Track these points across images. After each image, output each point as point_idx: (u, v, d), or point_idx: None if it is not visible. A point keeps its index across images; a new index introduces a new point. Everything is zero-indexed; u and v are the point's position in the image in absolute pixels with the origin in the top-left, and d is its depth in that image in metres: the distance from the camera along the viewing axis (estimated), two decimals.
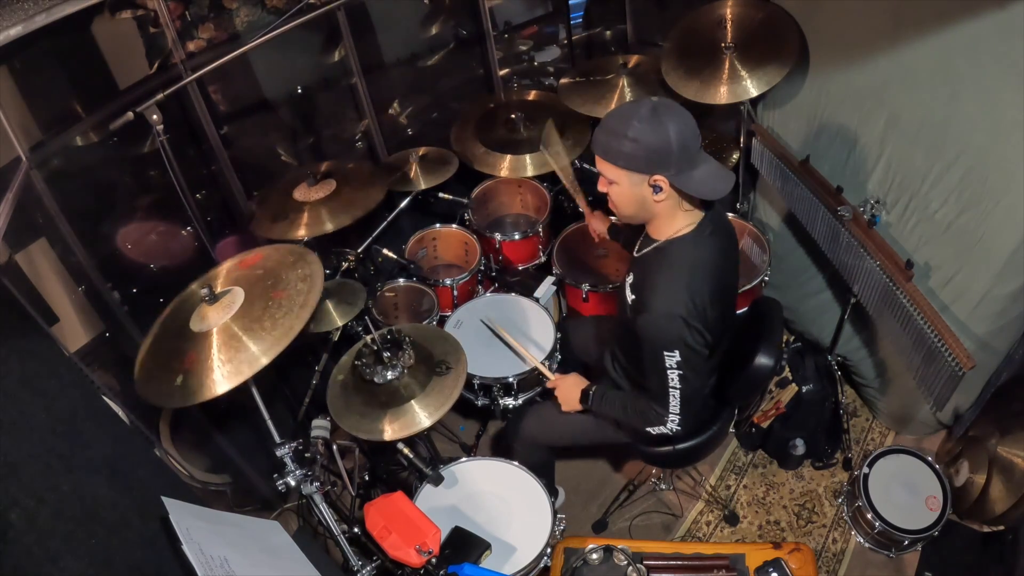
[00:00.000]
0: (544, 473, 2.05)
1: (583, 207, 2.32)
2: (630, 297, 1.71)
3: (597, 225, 2.32)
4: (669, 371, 1.60)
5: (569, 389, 1.98)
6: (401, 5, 3.01)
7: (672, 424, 1.71)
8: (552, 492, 2.35)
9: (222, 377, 1.47)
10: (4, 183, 1.76)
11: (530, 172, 2.64)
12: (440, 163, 2.68)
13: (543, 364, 2.18)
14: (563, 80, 2.76)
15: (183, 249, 2.44)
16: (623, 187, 1.56)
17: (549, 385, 2.09)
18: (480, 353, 2.27)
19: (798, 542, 1.84)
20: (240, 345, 1.51)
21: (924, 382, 2.07)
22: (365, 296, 2.19)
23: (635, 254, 1.76)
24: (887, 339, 2.36)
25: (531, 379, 2.31)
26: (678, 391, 1.63)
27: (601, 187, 1.61)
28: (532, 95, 3.00)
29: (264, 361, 1.49)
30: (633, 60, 2.72)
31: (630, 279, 1.74)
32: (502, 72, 3.21)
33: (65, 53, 2.00)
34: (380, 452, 2.37)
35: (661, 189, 1.52)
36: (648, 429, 1.77)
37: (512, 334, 2.32)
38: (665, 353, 1.58)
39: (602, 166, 1.56)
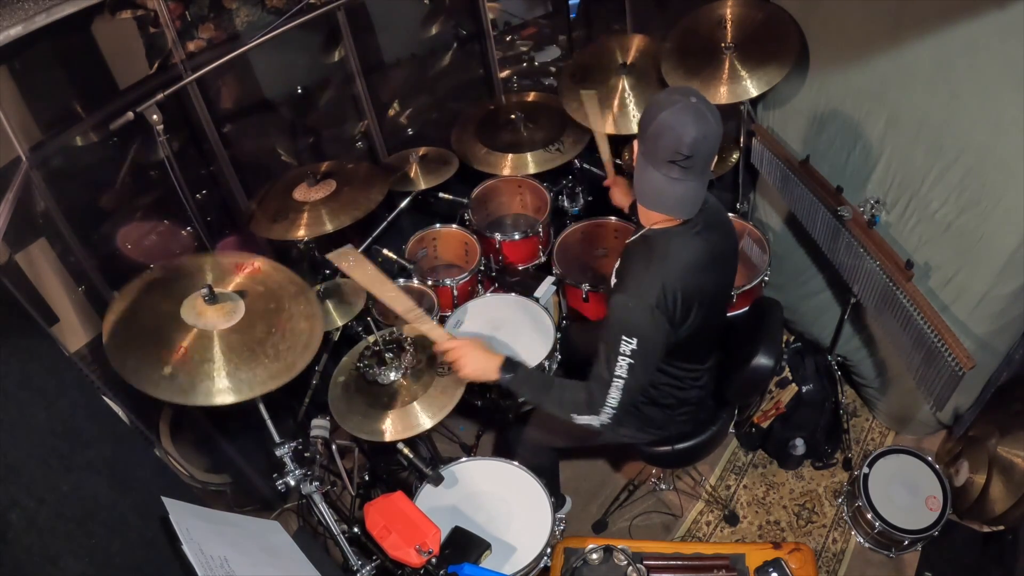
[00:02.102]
0: (549, 477, 2.04)
1: (608, 169, 2.25)
2: (613, 281, 1.72)
3: (619, 196, 2.24)
4: (621, 357, 1.57)
5: (477, 355, 1.72)
6: (401, 5, 3.01)
7: (604, 416, 1.64)
8: (558, 499, 2.34)
9: (222, 389, 1.47)
10: (4, 183, 1.76)
11: (531, 170, 2.64)
12: (440, 163, 2.68)
13: (430, 320, 1.79)
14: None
15: (183, 249, 2.44)
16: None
17: (443, 346, 1.74)
18: None
19: (798, 542, 1.84)
20: (243, 364, 1.50)
21: (924, 382, 2.07)
22: (365, 296, 2.20)
23: (626, 242, 1.77)
24: (887, 339, 2.36)
25: None
26: (622, 381, 1.59)
27: None
28: (532, 95, 3.00)
29: (266, 388, 1.49)
30: (631, 53, 2.69)
31: (616, 265, 1.75)
32: (502, 73, 3.21)
33: (65, 53, 2.00)
34: (380, 452, 2.37)
35: (634, 152, 1.58)
36: (574, 417, 1.68)
37: (512, 334, 2.31)
38: (623, 337, 1.55)
39: None
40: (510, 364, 1.72)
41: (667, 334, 1.58)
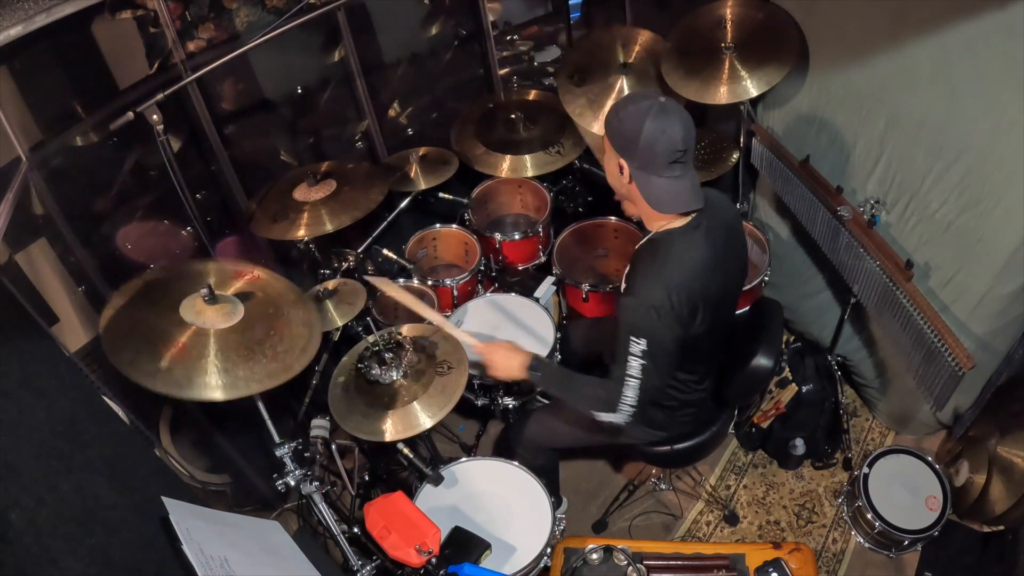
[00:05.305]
0: (549, 478, 2.04)
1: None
2: (622, 286, 1.73)
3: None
4: (632, 357, 1.59)
5: (506, 356, 1.84)
6: (401, 5, 3.01)
7: (622, 415, 1.68)
8: (558, 499, 2.34)
9: (218, 385, 1.47)
10: (4, 183, 1.75)
11: (530, 172, 2.64)
12: (440, 163, 2.68)
13: (453, 325, 1.96)
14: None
15: (183, 249, 2.44)
16: (607, 155, 1.65)
17: (477, 350, 1.89)
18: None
19: (798, 542, 1.84)
20: (241, 362, 1.50)
21: (924, 382, 2.07)
22: (365, 296, 2.20)
23: (636, 248, 1.78)
24: (887, 339, 2.36)
25: None
26: (636, 381, 1.62)
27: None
28: (532, 95, 3.00)
29: (262, 387, 1.49)
30: (634, 50, 2.68)
31: (627, 269, 1.76)
32: (502, 72, 3.21)
33: (65, 53, 2.00)
34: (380, 452, 2.37)
35: (623, 173, 1.60)
36: (595, 414, 1.73)
37: (512, 334, 2.31)
38: (632, 338, 1.58)
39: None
40: (536, 362, 1.81)
41: (676, 334, 1.60)
